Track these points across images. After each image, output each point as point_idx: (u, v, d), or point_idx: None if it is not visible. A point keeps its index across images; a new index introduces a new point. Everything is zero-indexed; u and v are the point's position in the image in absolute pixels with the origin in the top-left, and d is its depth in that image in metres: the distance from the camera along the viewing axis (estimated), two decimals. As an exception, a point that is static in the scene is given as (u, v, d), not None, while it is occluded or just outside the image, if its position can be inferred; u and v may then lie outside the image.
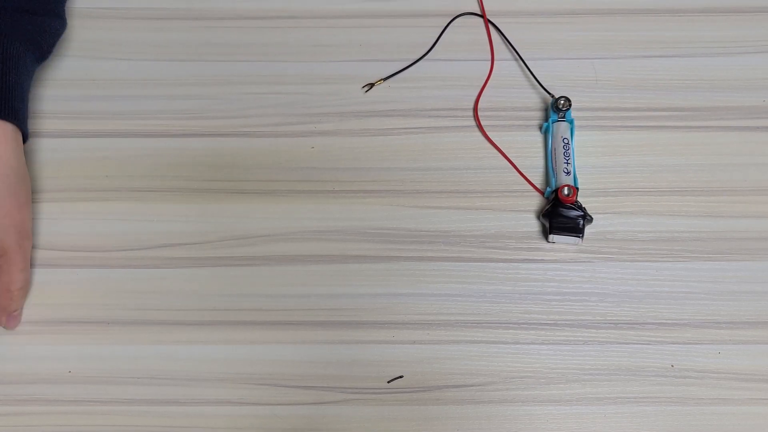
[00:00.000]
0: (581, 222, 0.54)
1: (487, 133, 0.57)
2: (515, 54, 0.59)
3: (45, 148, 0.57)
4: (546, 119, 0.57)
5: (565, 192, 0.53)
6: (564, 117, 0.56)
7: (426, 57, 0.59)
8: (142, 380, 0.52)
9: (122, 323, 0.53)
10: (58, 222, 0.55)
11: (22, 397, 0.52)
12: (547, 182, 0.56)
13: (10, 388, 0.52)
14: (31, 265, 0.54)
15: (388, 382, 0.52)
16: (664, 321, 0.53)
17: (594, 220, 0.55)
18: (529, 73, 0.58)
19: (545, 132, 0.57)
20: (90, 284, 0.54)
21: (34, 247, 0.55)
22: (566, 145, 0.55)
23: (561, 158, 0.55)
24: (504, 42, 0.59)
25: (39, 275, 0.54)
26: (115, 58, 0.59)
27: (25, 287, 0.53)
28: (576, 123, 0.56)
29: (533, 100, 0.58)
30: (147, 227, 0.55)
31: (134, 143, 0.57)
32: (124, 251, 0.55)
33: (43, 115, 0.58)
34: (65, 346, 0.53)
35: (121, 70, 0.59)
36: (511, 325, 0.53)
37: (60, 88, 0.58)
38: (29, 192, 0.53)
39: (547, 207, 0.54)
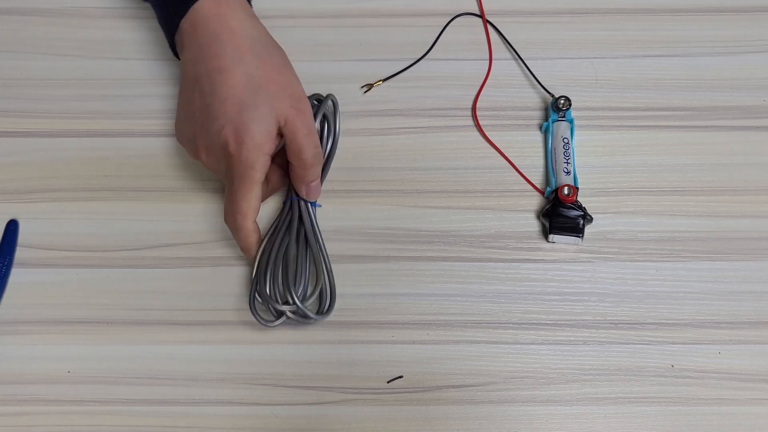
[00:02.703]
0: (581, 222, 0.54)
1: (488, 132, 0.57)
2: (515, 54, 0.59)
3: (45, 148, 0.57)
4: (546, 119, 0.57)
5: (565, 192, 0.53)
6: (564, 117, 0.56)
7: (425, 57, 0.59)
8: (142, 380, 0.52)
9: (122, 323, 0.53)
10: (58, 222, 0.55)
11: (22, 397, 0.52)
12: (547, 182, 0.56)
13: (10, 388, 0.52)
14: (31, 264, 0.54)
15: (388, 382, 0.52)
16: (664, 321, 0.53)
17: (594, 220, 0.55)
18: (528, 72, 0.58)
19: (545, 132, 0.57)
20: (90, 284, 0.54)
21: (33, 246, 0.55)
22: (566, 145, 0.55)
23: (561, 158, 0.55)
24: (504, 42, 0.59)
25: (39, 275, 0.54)
26: (115, 58, 0.59)
27: (317, 153, 0.50)
28: (576, 123, 0.56)
29: (533, 99, 0.58)
30: (147, 227, 0.55)
31: (134, 143, 0.57)
32: (124, 251, 0.55)
33: (43, 115, 0.58)
34: (65, 346, 0.53)
35: (121, 70, 0.59)
36: (511, 325, 0.53)
37: (60, 88, 0.58)
38: (284, 55, 0.51)
39: (547, 207, 0.54)
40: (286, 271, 0.51)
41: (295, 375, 0.53)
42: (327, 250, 0.53)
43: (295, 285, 0.50)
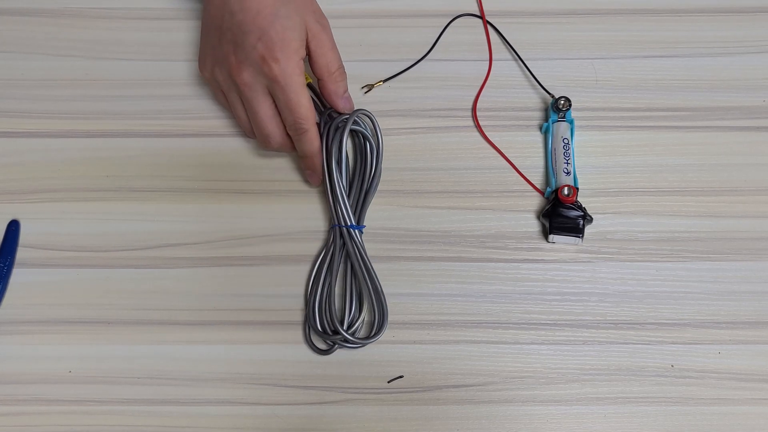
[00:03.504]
0: (581, 222, 0.54)
1: (488, 133, 0.57)
2: (515, 54, 0.59)
3: (45, 148, 0.57)
4: (546, 119, 0.57)
5: (565, 192, 0.53)
6: (564, 117, 0.56)
7: (426, 57, 0.59)
8: (142, 380, 0.52)
9: (122, 323, 0.53)
10: (58, 222, 0.55)
11: (22, 397, 0.52)
12: (547, 182, 0.56)
13: (10, 388, 0.52)
14: (32, 264, 0.54)
15: (388, 382, 0.52)
16: (664, 321, 0.53)
17: (594, 220, 0.55)
18: (529, 73, 0.58)
19: (545, 132, 0.57)
20: (90, 284, 0.54)
21: (34, 246, 0.55)
22: (566, 145, 0.55)
23: (561, 158, 0.55)
24: (504, 42, 0.59)
25: (39, 275, 0.54)
26: (115, 58, 0.59)
27: (342, 66, 0.53)
28: (576, 123, 0.56)
29: (533, 100, 0.58)
30: (147, 227, 0.55)
31: (134, 143, 0.57)
32: (124, 251, 0.55)
33: (43, 115, 0.58)
34: (65, 346, 0.53)
35: (120, 70, 0.59)
36: (511, 325, 0.53)
37: (60, 88, 0.58)
38: None
39: (547, 207, 0.54)
40: (335, 301, 0.52)
41: (295, 375, 0.53)
42: (376, 273, 0.53)
43: (343, 315, 0.52)
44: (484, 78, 0.58)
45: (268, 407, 0.52)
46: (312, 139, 0.52)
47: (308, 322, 0.53)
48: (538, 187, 0.56)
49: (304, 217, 0.55)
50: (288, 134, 0.53)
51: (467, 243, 0.55)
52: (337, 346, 0.52)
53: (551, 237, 0.54)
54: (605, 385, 0.52)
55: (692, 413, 0.52)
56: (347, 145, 0.55)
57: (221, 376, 0.52)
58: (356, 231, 0.53)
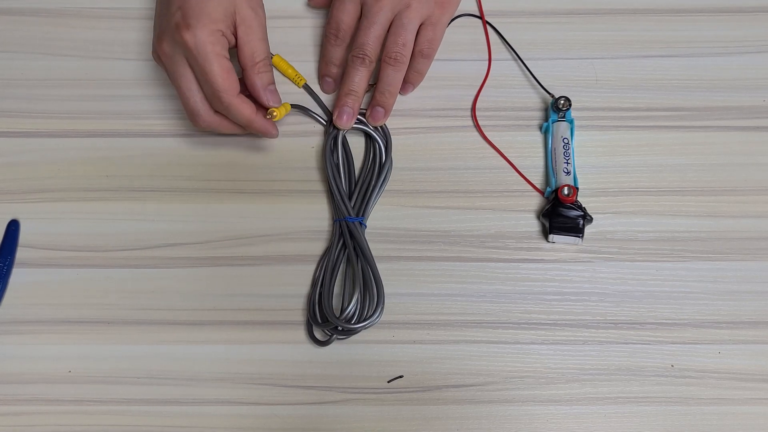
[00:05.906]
0: (581, 222, 0.54)
1: (487, 133, 0.57)
2: (514, 54, 0.59)
3: (45, 148, 0.57)
4: (546, 119, 0.57)
5: (565, 192, 0.53)
6: (564, 117, 0.56)
7: (426, 57, 0.59)
8: (142, 380, 0.52)
9: (122, 323, 0.53)
10: (58, 222, 0.55)
11: (22, 397, 0.52)
12: (547, 182, 0.56)
13: (10, 388, 0.52)
14: (32, 264, 0.54)
15: (388, 382, 0.52)
16: (664, 321, 0.53)
17: (594, 220, 0.55)
18: (528, 73, 0.58)
19: (545, 132, 0.57)
20: (90, 284, 0.54)
21: (34, 246, 0.55)
22: (566, 145, 0.55)
23: (561, 158, 0.55)
24: (503, 42, 0.59)
25: (39, 275, 0.54)
26: (115, 58, 0.59)
27: (268, 58, 0.52)
28: (576, 123, 0.56)
29: (533, 100, 0.58)
30: (147, 227, 0.55)
31: (134, 143, 0.57)
32: (124, 251, 0.55)
33: (43, 115, 0.58)
34: (65, 346, 0.53)
35: (120, 70, 0.59)
36: (511, 325, 0.53)
37: (60, 88, 0.58)
38: None
39: (547, 207, 0.54)
40: (333, 292, 0.53)
41: (295, 375, 0.53)
42: (376, 263, 0.53)
43: (342, 306, 0.52)
44: (483, 78, 0.58)
45: (268, 407, 0.52)
46: (239, 110, 0.50)
47: (309, 314, 0.53)
48: (538, 186, 0.56)
49: (304, 217, 0.55)
50: (216, 112, 0.52)
51: (467, 243, 0.55)
52: (335, 336, 0.52)
53: (551, 237, 0.54)
54: (605, 385, 0.52)
55: (692, 413, 0.52)
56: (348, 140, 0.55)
57: (221, 376, 0.52)
58: (357, 223, 0.53)
